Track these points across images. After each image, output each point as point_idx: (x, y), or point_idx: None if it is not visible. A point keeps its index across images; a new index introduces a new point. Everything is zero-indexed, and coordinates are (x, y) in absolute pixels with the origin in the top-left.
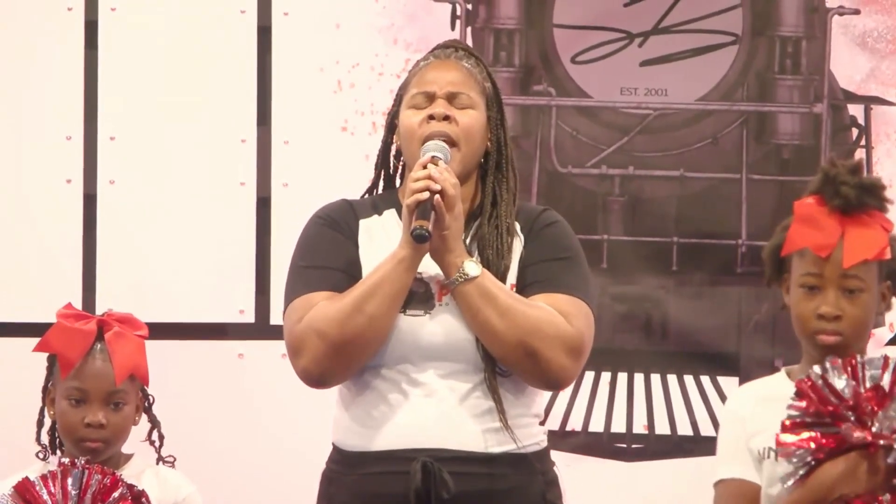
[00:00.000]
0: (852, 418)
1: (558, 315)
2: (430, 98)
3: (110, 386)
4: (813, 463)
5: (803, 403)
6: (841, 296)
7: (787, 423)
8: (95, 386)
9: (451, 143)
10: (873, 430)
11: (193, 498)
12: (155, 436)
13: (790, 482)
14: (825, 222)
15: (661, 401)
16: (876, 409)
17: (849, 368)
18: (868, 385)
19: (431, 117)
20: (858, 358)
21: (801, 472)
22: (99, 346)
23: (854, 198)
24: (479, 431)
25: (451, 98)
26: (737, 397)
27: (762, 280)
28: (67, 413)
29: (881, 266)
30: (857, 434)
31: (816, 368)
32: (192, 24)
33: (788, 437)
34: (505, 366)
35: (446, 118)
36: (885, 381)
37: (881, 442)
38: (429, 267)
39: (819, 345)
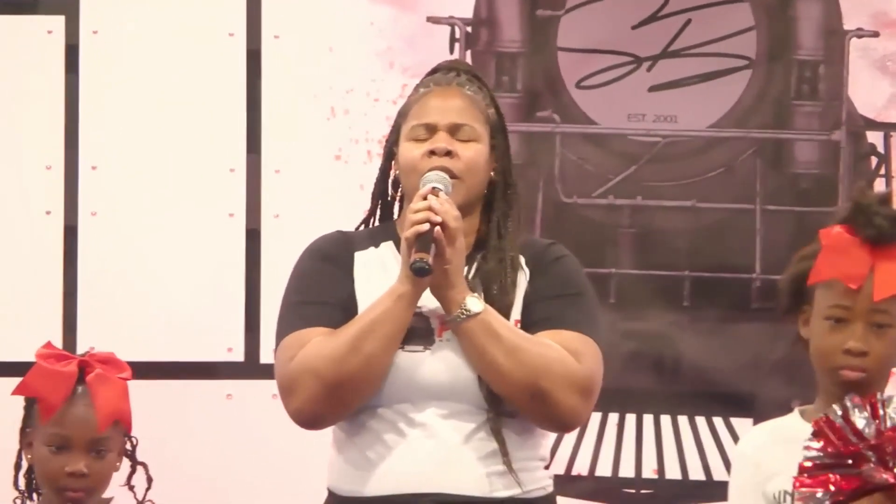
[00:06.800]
0: (873, 459)
1: (567, 353)
2: (432, 130)
3: (93, 433)
4: None
5: (820, 444)
6: (869, 330)
7: (806, 464)
8: (78, 433)
9: (454, 177)
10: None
11: None
12: (135, 480)
13: None
14: (856, 253)
15: (672, 444)
16: None
17: (868, 407)
18: (888, 424)
19: (433, 152)
20: (878, 396)
21: None
22: (80, 388)
23: (887, 229)
24: (482, 475)
25: (453, 130)
26: (749, 439)
27: (778, 316)
28: (48, 460)
29: None
30: (881, 476)
31: (836, 408)
32: (177, 48)
33: (806, 480)
34: (512, 407)
35: (448, 153)
36: None
37: None
38: (428, 301)
39: (842, 380)
